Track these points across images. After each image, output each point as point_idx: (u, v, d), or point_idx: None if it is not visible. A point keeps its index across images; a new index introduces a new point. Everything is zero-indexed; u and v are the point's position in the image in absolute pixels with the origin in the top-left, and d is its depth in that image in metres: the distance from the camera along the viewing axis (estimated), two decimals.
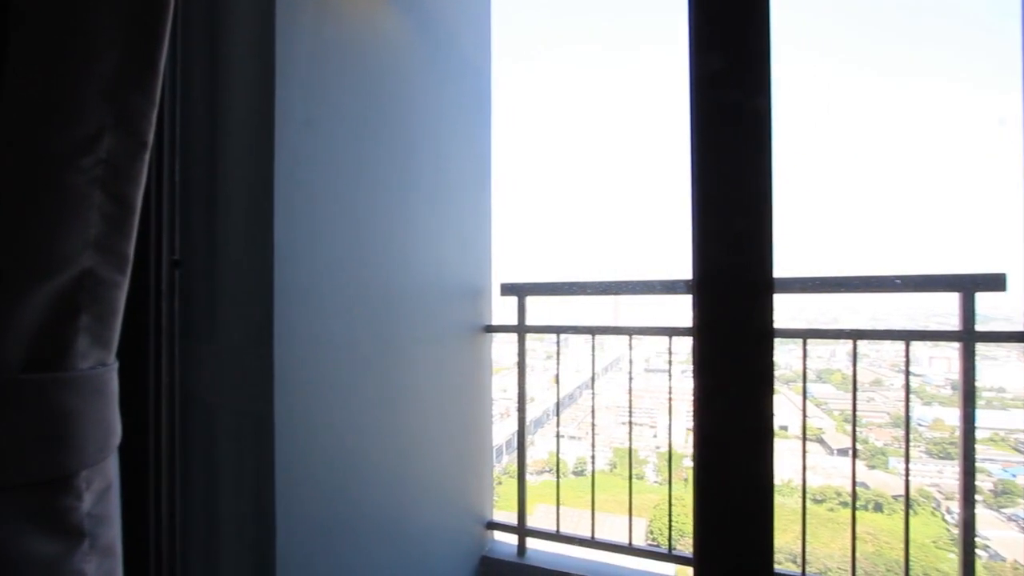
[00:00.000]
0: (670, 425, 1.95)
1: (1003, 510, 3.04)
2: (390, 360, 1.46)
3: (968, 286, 1.35)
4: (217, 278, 1.15)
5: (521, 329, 1.89)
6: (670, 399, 1.93)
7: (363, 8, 1.37)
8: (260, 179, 1.10)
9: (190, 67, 1.14)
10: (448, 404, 1.75)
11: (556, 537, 1.88)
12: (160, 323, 1.01)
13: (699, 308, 0.55)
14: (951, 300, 1.44)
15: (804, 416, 1.67)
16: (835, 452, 3.54)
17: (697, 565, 0.55)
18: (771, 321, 0.52)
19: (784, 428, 3.58)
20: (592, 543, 1.82)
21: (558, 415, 2.01)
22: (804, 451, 1.63)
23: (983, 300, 1.41)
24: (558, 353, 1.90)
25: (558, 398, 2.01)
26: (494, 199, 2.05)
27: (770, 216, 0.54)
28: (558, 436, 2.04)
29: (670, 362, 1.79)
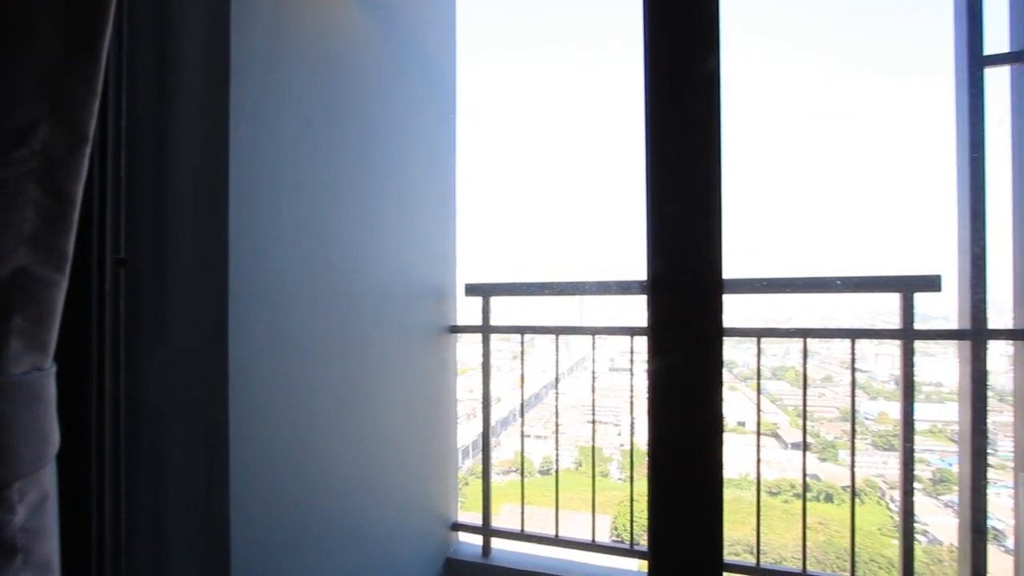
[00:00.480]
0: (632, 423, 1.99)
1: (940, 497, 3.24)
2: (353, 361, 1.43)
3: (907, 287, 1.44)
4: (166, 277, 1.10)
5: (486, 329, 1.89)
6: (632, 397, 1.97)
7: (324, 0, 1.34)
8: (213, 174, 1.06)
9: (137, 54, 1.09)
10: (413, 405, 1.73)
11: (521, 536, 1.89)
12: (103, 324, 0.97)
13: (653, 309, 0.56)
14: (894, 300, 1.52)
15: (758, 412, 1.73)
16: (789, 446, 3.69)
17: (651, 558, 0.57)
18: (720, 321, 0.54)
19: (742, 424, 3.70)
20: (556, 541, 1.84)
21: (522, 415, 2.02)
22: (759, 446, 1.69)
23: (922, 300, 1.50)
24: (522, 353, 1.91)
25: (522, 398, 2.02)
26: (460, 199, 2.04)
27: (719, 220, 0.56)
28: (522, 436, 2.05)
29: (632, 361, 1.83)
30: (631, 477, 2.04)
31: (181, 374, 1.09)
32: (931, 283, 1.42)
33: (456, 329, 1.96)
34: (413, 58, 1.76)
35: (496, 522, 1.96)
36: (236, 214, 1.07)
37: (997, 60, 1.42)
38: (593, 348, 1.78)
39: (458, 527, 2.00)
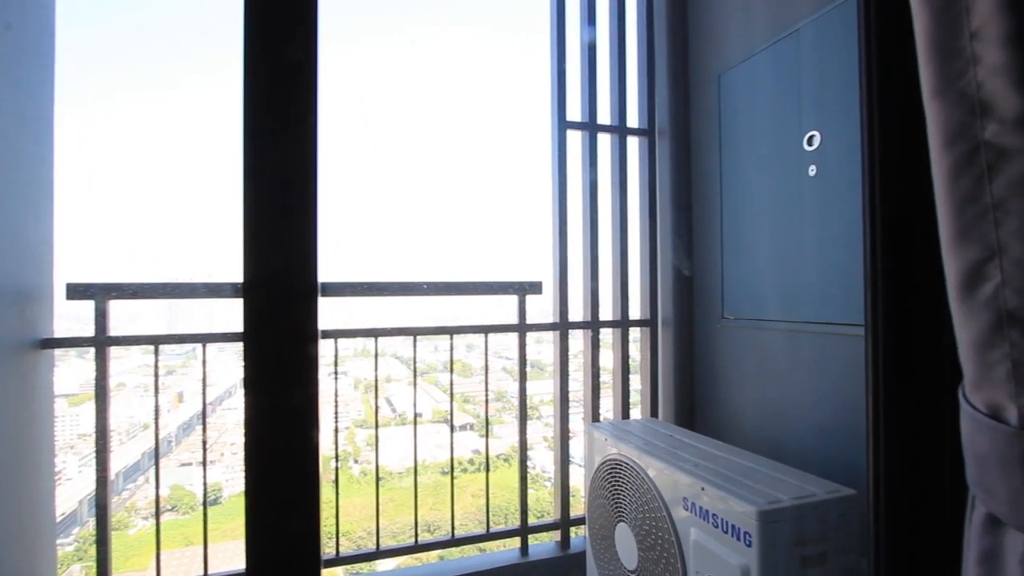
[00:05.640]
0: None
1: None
2: None
3: (520, 291, 1.85)
4: None
5: (100, 342, 1.50)
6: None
7: None
8: None
9: None
10: None
11: None
12: None
13: (249, 311, 0.55)
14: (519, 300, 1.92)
15: (415, 402, 1.91)
16: (457, 428, 4.23)
17: (248, 559, 0.55)
18: (316, 323, 0.58)
19: (420, 415, 4.03)
20: None
21: (156, 441, 1.69)
22: (415, 433, 1.87)
23: (533, 301, 1.94)
24: (156, 368, 1.60)
25: (156, 423, 1.69)
26: (61, 181, 1.56)
27: (314, 224, 0.59)
28: (157, 469, 1.72)
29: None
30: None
31: None
32: (536, 288, 1.87)
33: (51, 343, 1.50)
34: None
35: None
36: None
37: (575, 126, 1.98)
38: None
39: None
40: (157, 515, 1.70)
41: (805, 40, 1.61)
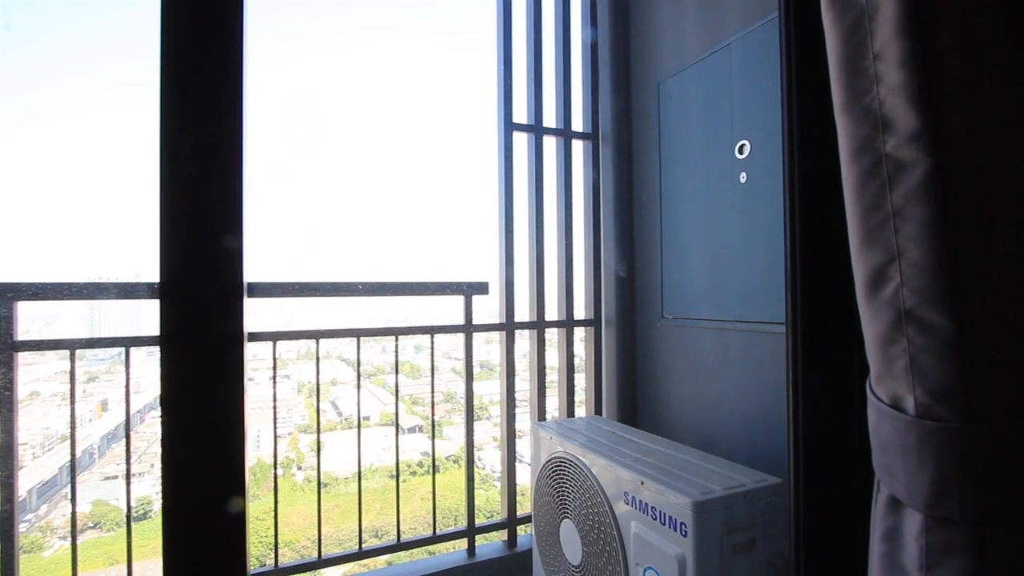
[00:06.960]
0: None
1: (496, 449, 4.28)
2: None
3: (466, 291, 1.84)
4: None
5: (4, 347, 1.36)
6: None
7: None
8: None
9: None
10: None
11: None
12: None
13: (166, 313, 0.52)
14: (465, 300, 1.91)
15: (359, 405, 1.86)
16: (406, 431, 4.15)
17: (166, 567, 0.52)
18: (241, 324, 0.55)
19: (367, 418, 3.94)
20: None
21: (73, 454, 1.56)
22: (360, 438, 1.82)
23: (480, 302, 1.93)
24: (72, 375, 1.47)
25: (72, 434, 1.56)
26: None
27: (240, 221, 0.56)
28: (74, 484, 1.58)
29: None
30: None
31: None
32: (482, 288, 1.87)
33: None
34: None
35: None
36: None
37: (521, 128, 1.99)
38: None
39: None
40: (73, 534, 1.57)
41: (735, 54, 1.70)
